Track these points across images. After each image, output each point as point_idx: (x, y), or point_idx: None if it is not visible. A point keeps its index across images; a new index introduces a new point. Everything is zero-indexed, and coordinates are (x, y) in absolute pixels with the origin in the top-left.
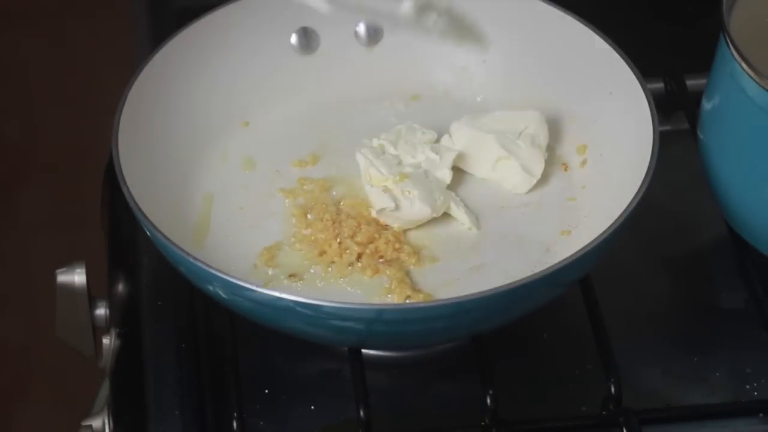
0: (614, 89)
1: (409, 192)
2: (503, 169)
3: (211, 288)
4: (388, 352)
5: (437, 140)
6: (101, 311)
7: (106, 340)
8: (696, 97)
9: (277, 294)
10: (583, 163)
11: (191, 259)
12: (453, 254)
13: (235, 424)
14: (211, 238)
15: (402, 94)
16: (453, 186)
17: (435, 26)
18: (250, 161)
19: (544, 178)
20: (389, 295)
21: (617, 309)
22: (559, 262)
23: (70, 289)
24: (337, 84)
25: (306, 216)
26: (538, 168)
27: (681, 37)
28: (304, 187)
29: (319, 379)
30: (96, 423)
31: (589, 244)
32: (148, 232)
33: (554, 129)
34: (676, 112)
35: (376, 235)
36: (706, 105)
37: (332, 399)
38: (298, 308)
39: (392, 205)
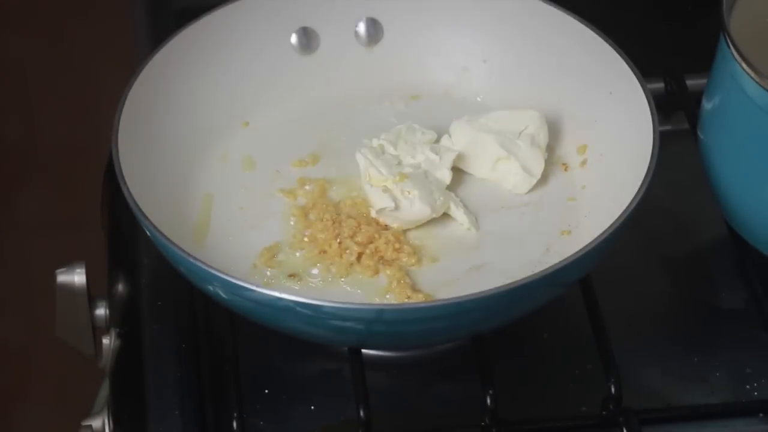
0: (614, 89)
1: (409, 192)
2: (503, 169)
3: (211, 288)
4: (388, 352)
5: (437, 140)
6: (101, 311)
7: (106, 340)
8: (696, 97)
9: (277, 294)
10: (583, 163)
11: (191, 259)
12: (453, 254)
13: (235, 424)
14: (211, 238)
15: (402, 94)
16: (453, 186)
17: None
18: (250, 161)
19: (544, 178)
20: (389, 295)
21: (617, 309)
22: (559, 262)
23: (70, 289)
24: (337, 84)
25: (306, 216)
26: (538, 168)
27: (681, 37)
28: (304, 187)
29: (319, 379)
30: (96, 423)
31: (589, 244)
32: (148, 232)
33: (554, 129)
34: (676, 112)
35: (376, 235)
36: (706, 105)
37: (332, 399)
38: (298, 308)
39: (392, 205)
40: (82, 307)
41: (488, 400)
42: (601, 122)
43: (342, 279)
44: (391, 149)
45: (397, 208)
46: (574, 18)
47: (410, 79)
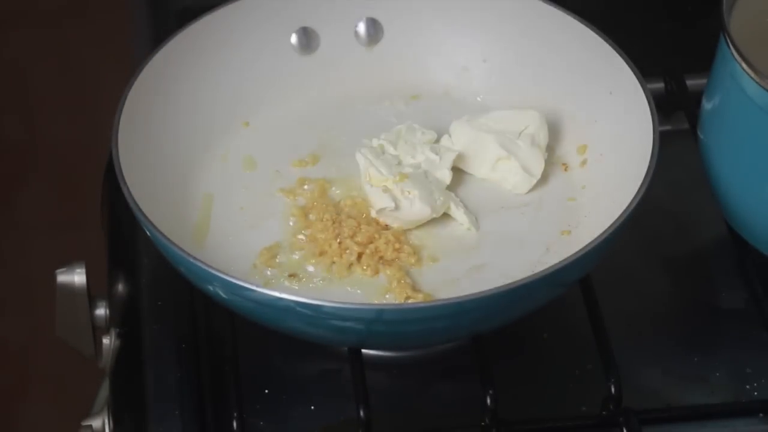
0: (614, 89)
1: (409, 192)
2: (503, 169)
3: (211, 288)
4: (388, 352)
5: (437, 140)
6: (101, 311)
7: (106, 340)
8: (696, 97)
9: (277, 294)
10: (583, 163)
11: (191, 259)
12: (453, 254)
13: (235, 424)
14: (211, 238)
15: (402, 94)
16: (453, 186)
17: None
18: (250, 161)
19: (544, 178)
20: (389, 295)
21: (617, 309)
22: (559, 262)
23: (69, 289)
24: (337, 84)
25: (306, 216)
26: (538, 168)
27: (681, 37)
28: (304, 187)
29: (319, 379)
30: (96, 423)
31: (589, 244)
32: (148, 232)
33: (554, 129)
34: (676, 112)
35: (376, 235)
36: (706, 105)
37: (332, 399)
38: (298, 308)
39: (392, 205)
40: (82, 307)
41: (488, 400)
42: (601, 122)
43: (342, 279)
44: (391, 149)
45: (397, 208)
46: (574, 18)
47: (410, 79)
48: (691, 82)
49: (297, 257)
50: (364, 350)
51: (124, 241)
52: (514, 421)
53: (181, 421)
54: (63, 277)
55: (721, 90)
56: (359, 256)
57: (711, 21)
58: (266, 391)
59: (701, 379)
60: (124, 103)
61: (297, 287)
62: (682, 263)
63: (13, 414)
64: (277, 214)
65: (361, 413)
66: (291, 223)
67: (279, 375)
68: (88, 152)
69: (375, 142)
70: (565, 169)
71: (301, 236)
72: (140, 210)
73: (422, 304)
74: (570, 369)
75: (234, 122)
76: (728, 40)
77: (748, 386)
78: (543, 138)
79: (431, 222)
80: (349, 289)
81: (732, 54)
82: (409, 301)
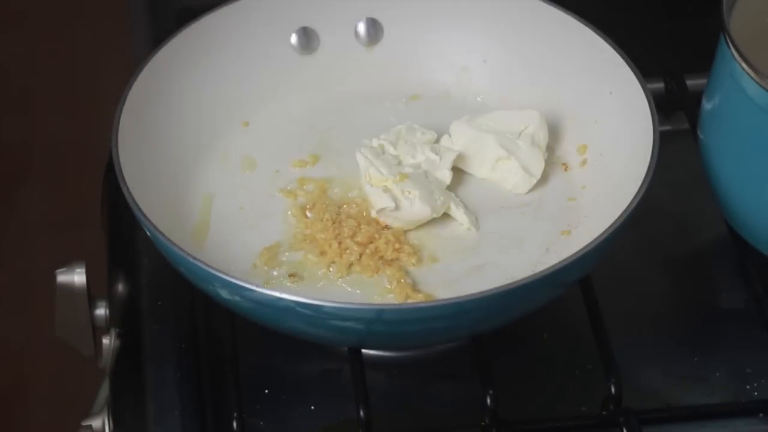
0: (614, 89)
1: (409, 192)
2: (503, 169)
3: (211, 288)
4: (388, 352)
5: (437, 140)
6: (101, 311)
7: (105, 340)
8: (696, 97)
9: (277, 294)
10: (583, 163)
11: (191, 259)
12: (453, 254)
13: (235, 424)
14: (211, 238)
15: (402, 94)
16: (453, 186)
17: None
18: (250, 161)
19: (544, 178)
20: (389, 295)
21: (617, 309)
22: (559, 262)
23: (69, 289)
24: (337, 84)
25: (306, 216)
26: (538, 168)
27: (681, 37)
28: (304, 187)
29: (319, 379)
30: (96, 423)
31: (589, 244)
32: (148, 232)
33: (554, 129)
34: (676, 112)
35: (376, 235)
36: (707, 105)
37: (332, 399)
38: (298, 308)
39: (392, 205)
40: (82, 307)
41: (488, 400)
42: (601, 122)
43: (342, 279)
44: (391, 149)
45: (397, 208)
46: (574, 18)
47: (410, 79)
48: (691, 82)
49: (297, 257)
50: (364, 350)
51: (124, 241)
52: (514, 421)
53: (181, 421)
54: (63, 277)
55: (721, 90)
56: (359, 256)
57: (711, 21)
58: (266, 391)
59: (701, 379)
60: (124, 103)
61: (297, 287)
62: (682, 263)
63: (12, 414)
64: (277, 214)
65: (361, 413)
66: (291, 223)
67: (279, 375)
68: (88, 152)
69: (375, 142)
70: (565, 169)
71: (301, 236)
72: (140, 210)
73: (422, 304)
74: (570, 369)
75: (234, 122)
76: (728, 40)
77: (748, 386)
78: (543, 138)
79: (431, 222)
80: (349, 289)
81: (732, 54)
82: (409, 301)
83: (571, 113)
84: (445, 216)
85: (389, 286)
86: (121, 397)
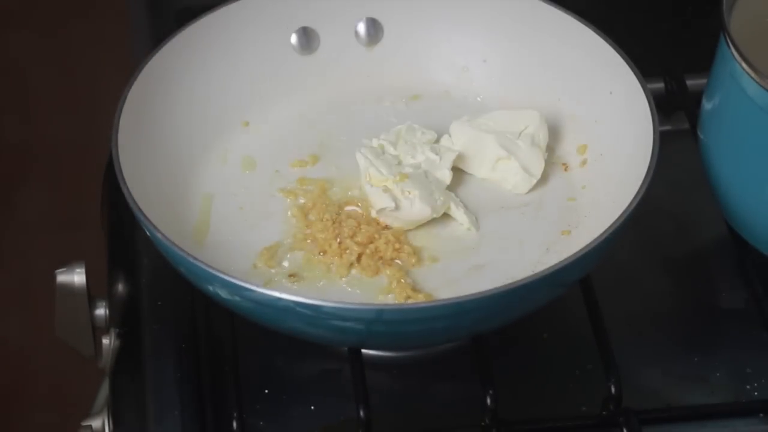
0: (614, 89)
1: (409, 192)
2: (503, 169)
3: (211, 288)
4: (388, 352)
5: (437, 140)
6: (101, 311)
7: (105, 340)
8: (696, 97)
9: (277, 294)
10: (583, 163)
11: (191, 260)
12: (453, 254)
13: (235, 424)
14: (211, 238)
15: (402, 94)
16: (453, 186)
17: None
18: (250, 161)
19: (544, 178)
20: (389, 295)
21: (617, 309)
22: (559, 262)
23: (69, 289)
24: (337, 84)
25: (306, 216)
26: (538, 168)
27: (681, 37)
28: (304, 187)
29: (319, 379)
30: (96, 423)
31: (589, 244)
32: (148, 232)
33: (554, 129)
34: (677, 112)
35: (376, 235)
36: (707, 105)
37: (332, 399)
38: (298, 308)
39: (392, 205)
40: (81, 307)
41: (488, 400)
42: (601, 122)
43: (342, 279)
44: (391, 149)
45: (397, 208)
46: (574, 18)
47: (410, 79)
48: (691, 82)
49: (297, 257)
50: (364, 350)
51: (124, 241)
52: (514, 421)
53: (181, 421)
54: (63, 277)
55: (721, 90)
56: (359, 256)
57: (711, 21)
58: (266, 391)
59: (701, 379)
60: (123, 103)
61: (297, 287)
62: (682, 263)
63: (12, 414)
64: (277, 214)
65: (361, 413)
66: (291, 223)
67: (279, 375)
68: (88, 152)
69: (375, 142)
70: (565, 169)
71: (301, 236)
72: (140, 210)
73: (422, 304)
74: (570, 369)
75: (234, 122)
76: (728, 40)
77: (748, 386)
78: (543, 138)
79: (431, 222)
80: (349, 289)
81: (732, 54)
82: (409, 301)
83: (571, 113)
84: (445, 216)
85: (389, 286)
86: (121, 397)
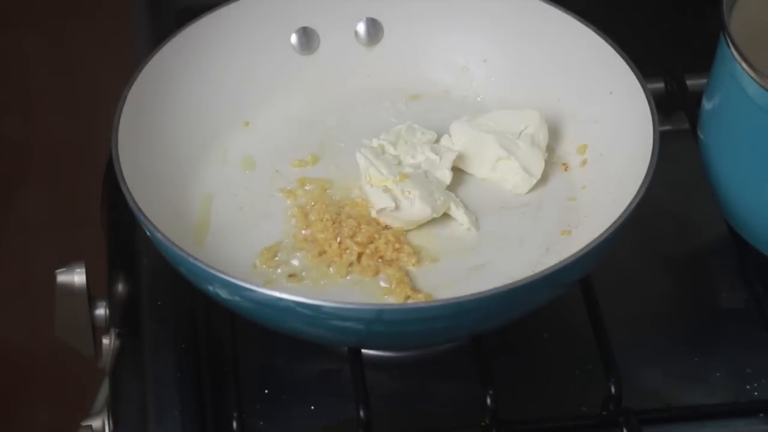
0: (614, 89)
1: (409, 192)
2: (503, 169)
3: (211, 288)
4: (388, 352)
5: (437, 140)
6: (101, 311)
7: (105, 340)
8: (696, 97)
9: (277, 294)
10: (583, 163)
11: (191, 260)
12: (453, 254)
13: (235, 424)
14: (211, 238)
15: (402, 94)
16: (453, 186)
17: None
18: (250, 161)
19: (544, 178)
20: (389, 295)
21: (617, 309)
22: (559, 262)
23: (69, 289)
24: (337, 84)
25: (306, 216)
26: (538, 168)
27: (681, 37)
28: (304, 187)
29: (319, 379)
30: (96, 423)
31: (589, 244)
32: (148, 233)
33: (554, 129)
34: (677, 112)
35: (376, 235)
36: (707, 105)
37: (332, 399)
38: (298, 308)
39: (392, 205)
40: (81, 307)
41: (488, 400)
42: (601, 122)
43: (342, 279)
44: (391, 149)
45: (397, 208)
46: (574, 18)
47: (410, 79)
48: (691, 82)
49: (297, 257)
50: (364, 350)
51: (124, 241)
52: (514, 421)
53: (181, 421)
54: (63, 277)
55: (721, 90)
56: (359, 256)
57: (711, 21)
58: (266, 391)
59: (701, 379)
60: (123, 103)
61: (297, 287)
62: (682, 263)
63: (13, 414)
64: (277, 214)
65: (361, 413)
66: (291, 223)
67: (279, 375)
68: (88, 152)
69: (375, 142)
70: (565, 169)
71: (301, 236)
72: (140, 210)
73: (422, 304)
74: (570, 369)
75: (234, 122)
76: (728, 40)
77: (748, 386)
78: (543, 138)
79: (431, 222)
80: (349, 289)
81: (732, 54)
82: (409, 301)
83: (571, 113)
84: (445, 216)
85: (389, 286)
86: (121, 397)
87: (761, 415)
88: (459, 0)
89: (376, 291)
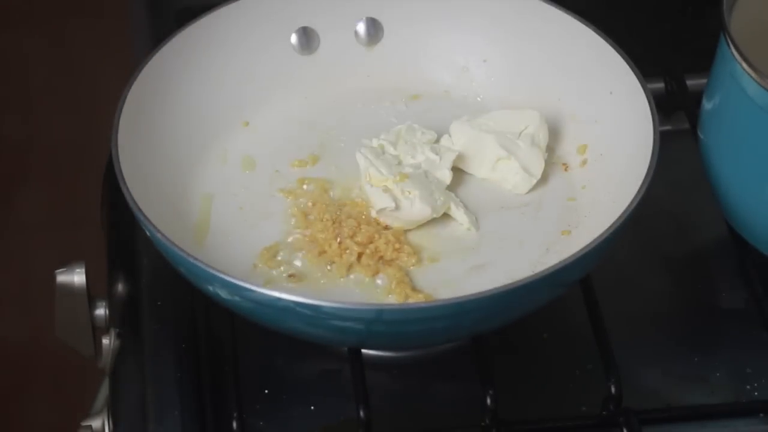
0: (614, 89)
1: (409, 192)
2: (503, 169)
3: (211, 288)
4: (388, 352)
5: (437, 140)
6: (101, 311)
7: (105, 340)
8: (696, 97)
9: (277, 294)
10: (583, 163)
11: (191, 260)
12: (453, 254)
13: (235, 424)
14: (211, 238)
15: (402, 94)
16: (453, 186)
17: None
18: (250, 161)
19: (544, 178)
20: (389, 295)
21: (617, 309)
22: (559, 262)
23: (69, 290)
24: (337, 84)
25: (306, 216)
26: (538, 168)
27: (681, 37)
28: (304, 187)
29: (319, 379)
30: (96, 423)
31: (589, 244)
32: (148, 233)
33: (554, 129)
34: (677, 112)
35: (376, 235)
36: (707, 105)
37: (332, 399)
38: (298, 308)
39: (392, 205)
40: (81, 308)
41: (488, 400)
42: (601, 122)
43: (342, 279)
44: (391, 149)
45: (397, 208)
46: (574, 18)
47: (410, 79)
48: (691, 82)
49: (297, 257)
50: (364, 350)
51: (124, 241)
52: (514, 421)
53: (181, 421)
54: (63, 277)
55: (721, 90)
56: (359, 256)
57: (711, 21)
58: (266, 391)
59: (701, 379)
60: (123, 103)
61: (297, 287)
62: (682, 263)
63: (13, 414)
64: (277, 214)
65: (361, 413)
66: (291, 223)
67: (279, 375)
68: (88, 152)
69: (375, 142)
70: (565, 169)
71: (301, 236)
72: (140, 210)
73: (422, 304)
74: (570, 369)
75: (234, 122)
76: (728, 40)
77: (748, 386)
78: (543, 138)
79: (431, 222)
80: (349, 289)
81: (732, 54)
82: (409, 301)
83: (571, 113)
84: (445, 216)
85: (389, 286)
86: (121, 397)
87: (761, 415)
88: (459, 0)
89: (376, 291)
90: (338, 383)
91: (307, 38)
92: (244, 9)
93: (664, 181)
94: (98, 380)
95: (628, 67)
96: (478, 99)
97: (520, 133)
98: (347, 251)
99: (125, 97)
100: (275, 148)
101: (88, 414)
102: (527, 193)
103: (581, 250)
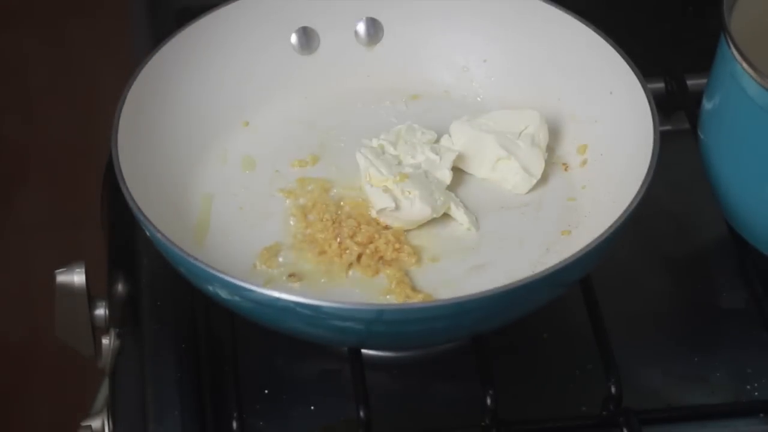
0: (615, 89)
1: (409, 192)
2: (503, 169)
3: (211, 288)
4: (388, 352)
5: (437, 140)
6: (101, 311)
7: (105, 341)
8: (696, 97)
9: (277, 294)
10: (583, 163)
11: (191, 260)
12: (453, 254)
13: (235, 424)
14: (211, 238)
15: (402, 94)
16: (453, 186)
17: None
18: (250, 161)
19: (544, 178)
20: (389, 295)
21: (617, 309)
22: (560, 262)
23: (69, 290)
24: (337, 84)
25: (306, 216)
26: (538, 168)
27: (681, 37)
28: (304, 187)
29: (319, 379)
30: (96, 423)
31: (590, 244)
32: (148, 233)
33: (554, 129)
34: (677, 112)
35: (376, 235)
36: (707, 105)
37: (332, 399)
38: (298, 308)
39: (392, 205)
40: (81, 308)
41: (488, 400)
42: (601, 122)
43: (342, 279)
44: (391, 149)
45: (397, 208)
46: (574, 18)
47: (410, 79)
48: (691, 82)
49: (297, 257)
50: (364, 350)
51: (124, 241)
52: (514, 421)
53: (181, 421)
54: (62, 278)
55: (722, 90)
56: (359, 256)
57: (711, 21)
58: (266, 391)
59: (701, 379)
60: (123, 103)
61: (297, 287)
62: (682, 263)
63: (13, 413)
64: (277, 214)
65: (361, 413)
66: (291, 223)
67: (279, 375)
68: (88, 152)
69: (375, 142)
70: (565, 169)
71: (301, 236)
72: (140, 210)
73: (422, 304)
74: (570, 369)
75: (234, 122)
76: (728, 40)
77: (748, 386)
78: (543, 138)
79: (431, 222)
80: (349, 289)
81: (732, 54)
82: (409, 301)
83: (571, 113)
84: (445, 216)
85: (389, 286)
86: (121, 397)
87: (761, 415)
88: (459, 0)
89: (376, 291)
90: (338, 383)
91: (307, 38)
92: (244, 9)
93: (664, 181)
94: (98, 380)
95: (628, 66)
96: (478, 99)
97: (520, 133)
98: (347, 251)
99: (125, 97)
100: (275, 148)
101: (88, 414)
102: (527, 193)
103: (581, 250)
